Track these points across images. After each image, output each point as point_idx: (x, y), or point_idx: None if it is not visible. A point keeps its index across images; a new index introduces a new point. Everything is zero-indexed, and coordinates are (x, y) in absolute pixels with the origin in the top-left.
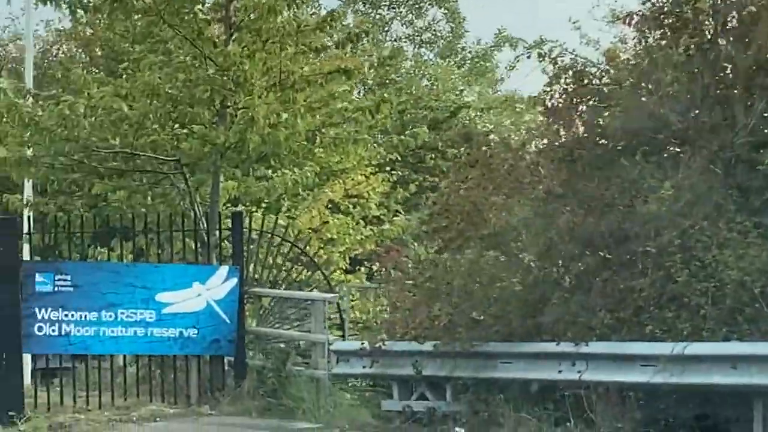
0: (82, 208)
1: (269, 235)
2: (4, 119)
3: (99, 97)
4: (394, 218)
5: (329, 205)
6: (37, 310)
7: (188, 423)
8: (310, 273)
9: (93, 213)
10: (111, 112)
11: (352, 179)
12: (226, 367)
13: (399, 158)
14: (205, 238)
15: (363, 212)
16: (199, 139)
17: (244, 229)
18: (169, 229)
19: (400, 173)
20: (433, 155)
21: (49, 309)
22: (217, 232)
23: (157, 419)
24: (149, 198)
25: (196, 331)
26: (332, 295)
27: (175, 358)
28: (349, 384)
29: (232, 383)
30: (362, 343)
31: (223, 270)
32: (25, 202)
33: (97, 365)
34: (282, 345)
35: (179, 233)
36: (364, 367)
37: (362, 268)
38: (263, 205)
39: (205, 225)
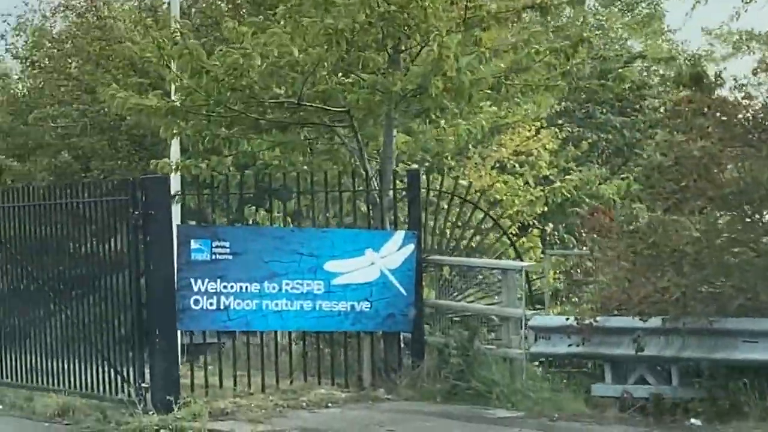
0: (233, 167)
1: (449, 197)
2: (164, 62)
3: (270, 43)
4: (567, 176)
5: (495, 165)
6: (192, 281)
7: (365, 410)
8: (495, 239)
9: (252, 171)
10: (279, 59)
11: (520, 135)
12: (401, 345)
13: (572, 109)
14: (377, 200)
15: (532, 172)
16: (368, 88)
17: (422, 190)
18: (338, 190)
19: (569, 130)
20: (603, 109)
21: (206, 280)
22: (391, 193)
23: (329, 405)
24: (309, 155)
25: (369, 305)
26: (528, 263)
27: (345, 335)
28: (551, 365)
29: (409, 363)
30: (567, 318)
31: (399, 235)
32: (174, 165)
33: (256, 342)
34: (456, 319)
35: (348, 194)
36: (570, 345)
37: (534, 231)
38: (426, 164)
39: (378, 185)
